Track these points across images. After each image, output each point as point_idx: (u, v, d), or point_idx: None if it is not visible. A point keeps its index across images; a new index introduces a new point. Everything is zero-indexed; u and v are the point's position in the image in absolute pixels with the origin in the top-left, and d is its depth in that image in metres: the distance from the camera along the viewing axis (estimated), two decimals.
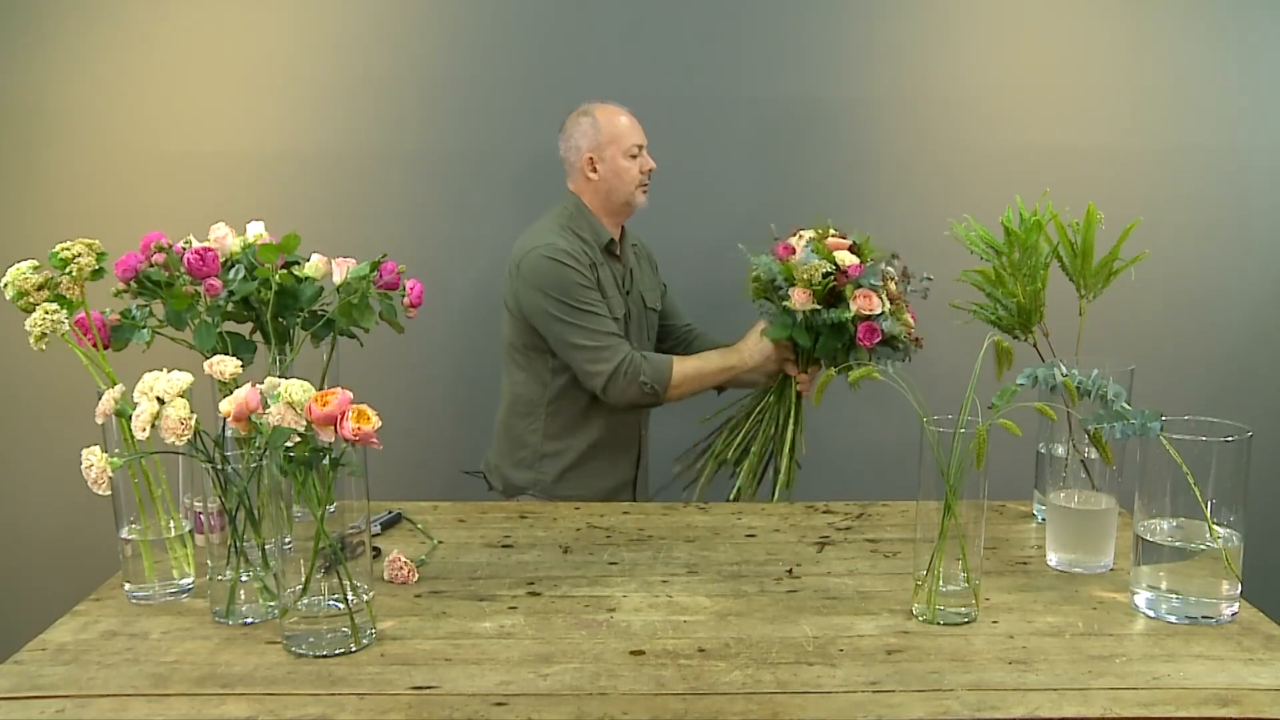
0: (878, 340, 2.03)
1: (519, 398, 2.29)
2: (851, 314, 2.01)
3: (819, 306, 2.04)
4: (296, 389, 1.25)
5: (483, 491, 2.34)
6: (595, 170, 2.25)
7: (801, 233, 2.13)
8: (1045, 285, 1.73)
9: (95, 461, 1.33)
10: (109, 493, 1.36)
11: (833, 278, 2.03)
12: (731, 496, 2.16)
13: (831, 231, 2.12)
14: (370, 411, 1.26)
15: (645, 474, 2.41)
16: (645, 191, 2.28)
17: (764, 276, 2.08)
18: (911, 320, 2.11)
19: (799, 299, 2.03)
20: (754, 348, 2.17)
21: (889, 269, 2.09)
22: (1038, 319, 1.73)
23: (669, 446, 2.38)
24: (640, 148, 2.26)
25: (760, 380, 2.21)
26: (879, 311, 2.03)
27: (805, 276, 2.03)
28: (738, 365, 2.19)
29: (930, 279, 2.14)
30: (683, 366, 2.19)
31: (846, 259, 2.04)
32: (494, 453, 2.36)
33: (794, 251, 2.09)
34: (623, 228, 2.35)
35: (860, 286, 2.04)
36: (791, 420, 2.17)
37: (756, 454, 2.17)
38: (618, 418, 2.28)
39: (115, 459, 1.35)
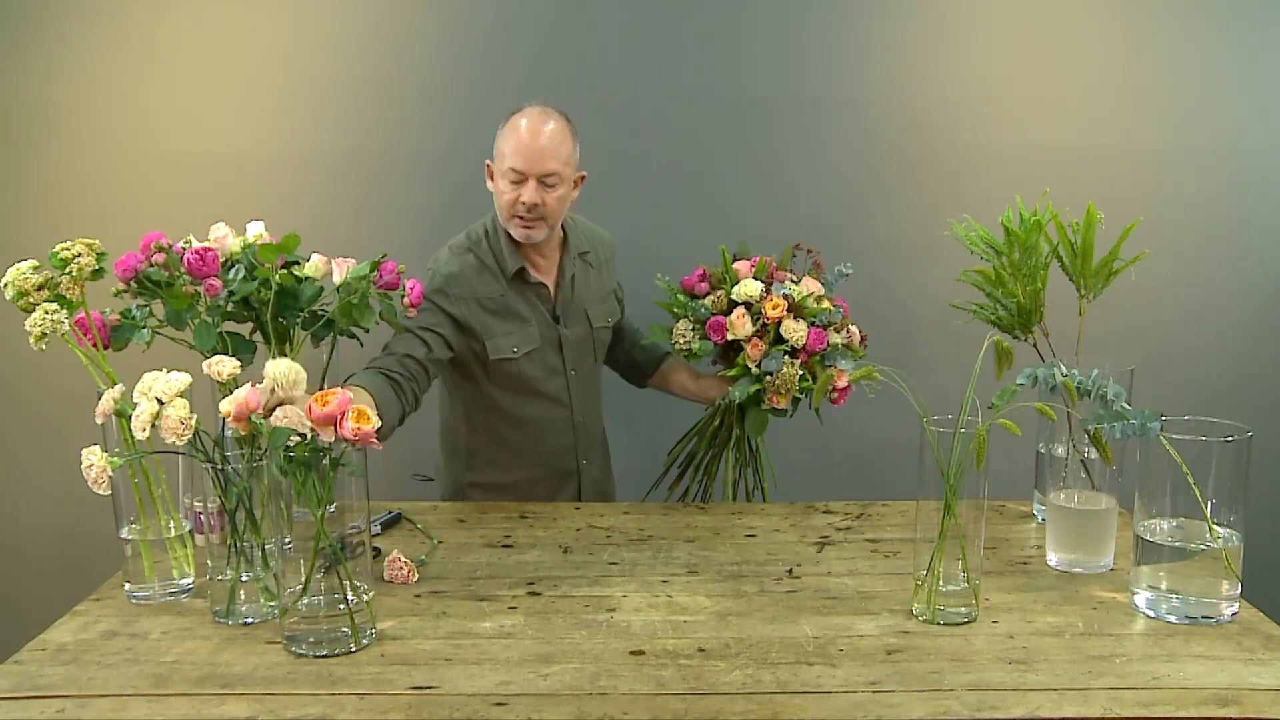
0: (825, 345, 1.91)
1: (444, 422, 2.17)
2: (798, 334, 1.90)
3: (769, 347, 1.91)
4: (283, 367, 1.26)
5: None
6: (491, 180, 2.02)
7: (740, 309, 1.93)
8: (1045, 285, 1.73)
9: (95, 461, 1.33)
10: (109, 492, 1.36)
11: (805, 384, 1.90)
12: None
13: (772, 268, 2.00)
14: (370, 412, 1.27)
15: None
16: (526, 227, 1.96)
17: (697, 350, 1.95)
18: (840, 308, 1.96)
19: (775, 403, 1.91)
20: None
21: (789, 277, 1.98)
22: (1038, 319, 1.73)
23: (637, 456, 2.31)
24: (519, 174, 1.92)
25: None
26: (844, 384, 1.90)
27: (784, 389, 1.89)
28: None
29: (848, 272, 2.01)
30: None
31: (799, 335, 1.89)
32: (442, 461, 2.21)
33: (724, 335, 1.93)
34: (564, 240, 2.09)
35: (826, 367, 1.92)
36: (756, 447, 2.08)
37: (730, 469, 2.07)
38: (545, 449, 2.09)
39: (115, 459, 1.35)
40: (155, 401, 1.32)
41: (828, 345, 1.91)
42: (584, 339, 2.12)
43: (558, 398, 2.09)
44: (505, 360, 2.01)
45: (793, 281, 1.96)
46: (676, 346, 1.98)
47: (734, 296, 1.93)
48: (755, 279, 1.95)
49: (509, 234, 2.00)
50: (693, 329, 1.97)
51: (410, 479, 2.33)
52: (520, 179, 1.93)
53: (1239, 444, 1.35)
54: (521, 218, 1.96)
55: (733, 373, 1.94)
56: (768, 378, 1.89)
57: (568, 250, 2.10)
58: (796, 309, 1.91)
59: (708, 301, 1.96)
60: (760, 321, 1.91)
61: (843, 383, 1.88)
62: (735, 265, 2.00)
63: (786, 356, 1.89)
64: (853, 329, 1.99)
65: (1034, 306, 1.72)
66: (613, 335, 2.23)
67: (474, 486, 2.12)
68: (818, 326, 1.90)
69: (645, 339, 2.09)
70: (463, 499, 2.12)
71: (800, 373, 1.88)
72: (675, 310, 2.01)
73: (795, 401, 1.94)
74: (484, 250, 2.03)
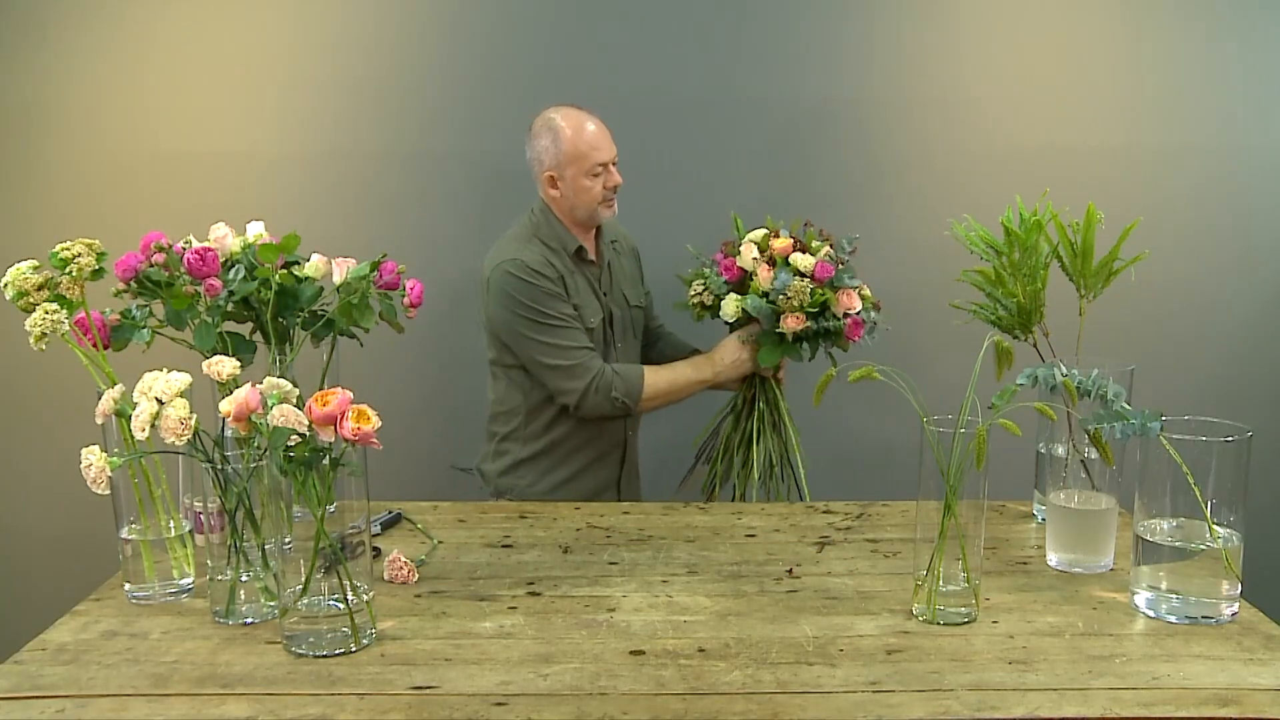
0: (863, 332, 2.08)
1: (499, 406, 2.27)
2: (841, 319, 2.05)
3: (811, 323, 2.06)
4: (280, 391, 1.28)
5: (482, 493, 2.34)
6: (556, 188, 2.19)
7: (747, 241, 2.11)
8: (1045, 285, 1.73)
9: (94, 461, 1.33)
10: (108, 492, 1.36)
11: (821, 293, 2.04)
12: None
13: (779, 231, 2.14)
14: (370, 411, 1.27)
15: (632, 476, 2.37)
16: (610, 205, 2.21)
17: (740, 308, 2.09)
18: (867, 291, 2.12)
19: (793, 324, 2.04)
20: (729, 362, 2.17)
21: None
22: (1038, 319, 1.73)
23: (658, 445, 2.38)
24: (605, 165, 2.17)
25: (731, 387, 2.23)
26: (858, 308, 2.07)
27: (797, 302, 2.02)
28: (711, 379, 2.18)
29: (856, 237, 2.16)
30: (655, 380, 2.17)
31: (806, 262, 2.05)
32: (481, 456, 2.34)
33: (736, 270, 2.10)
34: (598, 227, 2.29)
35: (835, 289, 2.06)
36: (786, 421, 2.19)
37: (759, 463, 2.16)
38: (599, 423, 2.24)
39: (114, 458, 1.35)
40: (155, 401, 1.32)
41: (835, 274, 2.06)
42: (624, 315, 2.31)
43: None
44: (586, 329, 2.18)
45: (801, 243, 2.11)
46: (692, 303, 2.17)
47: (743, 241, 2.12)
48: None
49: (558, 219, 2.20)
50: (704, 286, 2.16)
51: (450, 470, 2.43)
52: (604, 168, 2.17)
53: (1239, 444, 1.35)
54: (608, 200, 2.20)
55: (737, 305, 2.09)
56: (781, 298, 2.00)
57: (602, 236, 2.29)
58: (803, 247, 2.08)
59: (706, 270, 2.16)
60: (768, 255, 2.07)
61: (855, 305, 2.05)
62: (743, 243, 2.15)
63: (796, 275, 2.03)
64: (864, 289, 2.12)
65: (1034, 306, 1.72)
66: (644, 334, 2.41)
67: (527, 460, 2.24)
68: (825, 262, 2.05)
69: (675, 306, 2.29)
70: (512, 476, 2.25)
71: (811, 287, 2.02)
72: (689, 279, 2.19)
73: (812, 345, 2.09)
74: (546, 235, 2.20)
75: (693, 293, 2.18)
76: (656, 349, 2.42)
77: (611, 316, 2.26)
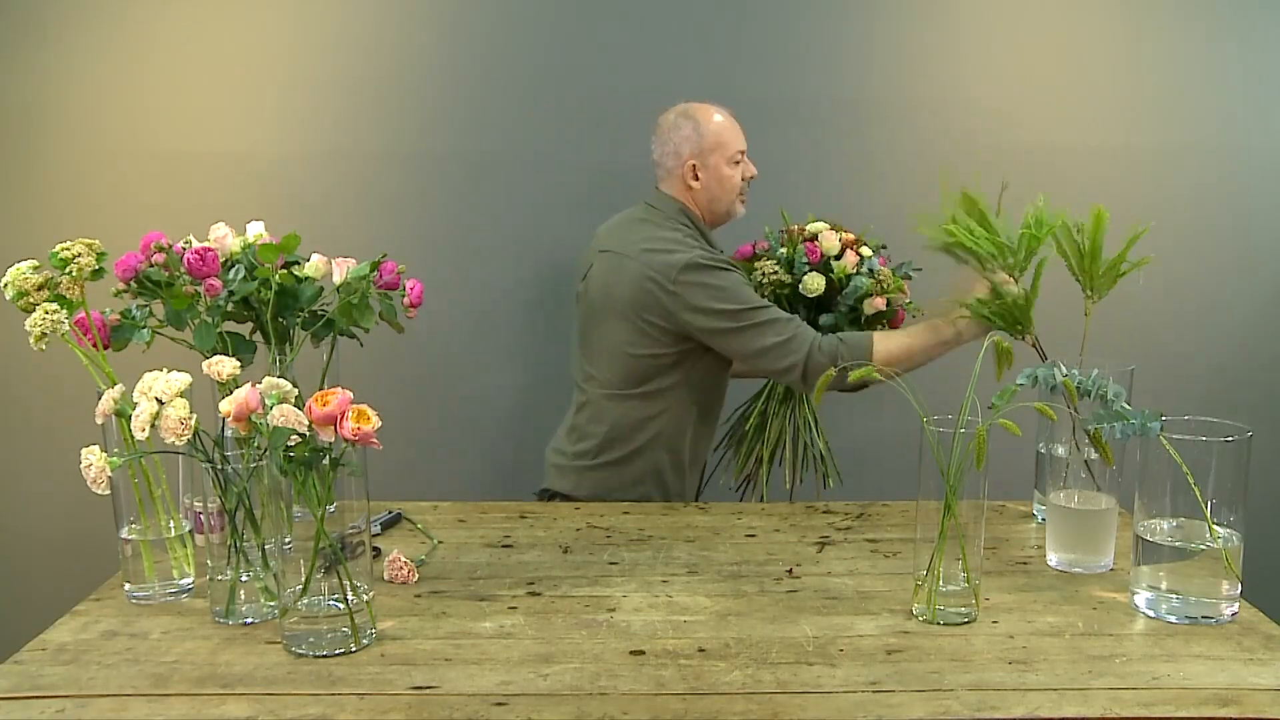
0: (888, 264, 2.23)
1: (603, 432, 2.13)
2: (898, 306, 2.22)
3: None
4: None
5: (481, 491, 2.33)
6: (697, 178, 2.13)
7: (820, 230, 2.20)
8: (1037, 294, 1.74)
9: (94, 461, 1.33)
10: (108, 492, 1.36)
11: (898, 282, 2.19)
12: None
13: (842, 230, 2.23)
14: (370, 411, 1.26)
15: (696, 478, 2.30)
16: (744, 200, 2.19)
17: (822, 284, 2.16)
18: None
19: (879, 304, 2.16)
20: (970, 320, 1.93)
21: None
22: (1030, 327, 1.74)
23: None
24: (742, 154, 2.16)
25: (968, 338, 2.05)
26: (908, 299, 2.23)
27: (885, 285, 2.16)
28: (953, 341, 1.97)
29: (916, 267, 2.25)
30: (886, 344, 1.98)
31: (819, 225, 2.21)
32: (564, 457, 2.19)
33: (819, 254, 2.18)
34: None
35: (903, 277, 2.23)
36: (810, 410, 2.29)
37: (791, 447, 2.27)
38: (704, 433, 2.18)
39: (114, 458, 1.35)
40: (155, 401, 1.31)
41: (895, 268, 2.22)
42: None
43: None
44: None
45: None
46: (765, 279, 2.17)
47: (809, 230, 2.21)
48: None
49: (699, 218, 2.17)
50: (776, 265, 2.18)
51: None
52: (743, 155, 2.17)
53: (1239, 444, 1.35)
54: (743, 193, 2.19)
55: (820, 281, 2.16)
56: (871, 280, 2.14)
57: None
58: (861, 241, 2.22)
59: (783, 250, 2.20)
60: (843, 243, 2.18)
61: (908, 296, 2.21)
62: (817, 232, 2.23)
63: (875, 258, 2.19)
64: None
65: (1026, 309, 1.73)
66: None
67: (613, 462, 2.14)
68: (881, 255, 2.22)
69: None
70: (591, 477, 2.14)
71: (892, 270, 2.20)
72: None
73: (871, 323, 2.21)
74: (691, 233, 2.14)
75: (766, 269, 2.17)
76: None
77: None
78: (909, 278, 2.22)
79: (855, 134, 2.57)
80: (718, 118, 2.16)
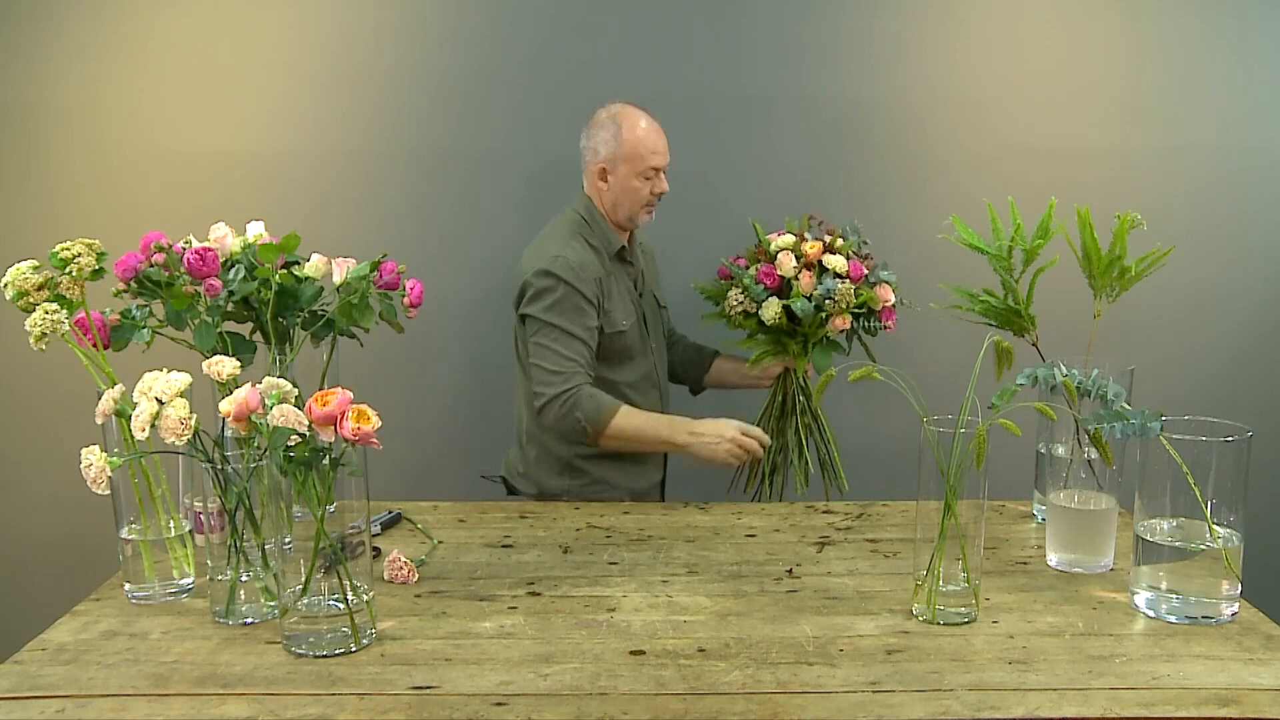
0: (865, 273, 2.15)
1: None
2: (879, 316, 2.16)
3: (855, 322, 2.15)
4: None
5: (483, 493, 2.33)
6: (605, 181, 2.16)
7: (784, 251, 2.14)
8: (1033, 298, 1.74)
9: (94, 461, 1.33)
10: (107, 492, 1.36)
11: (863, 292, 2.12)
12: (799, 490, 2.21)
13: (804, 234, 2.18)
14: (370, 411, 1.27)
15: (677, 480, 2.32)
16: (650, 212, 2.19)
17: (779, 311, 2.11)
18: (893, 277, 2.20)
19: (840, 324, 2.12)
20: (709, 439, 2.00)
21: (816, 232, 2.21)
22: (1031, 324, 1.74)
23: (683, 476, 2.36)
24: (658, 171, 2.16)
25: (689, 463, 2.09)
26: (892, 301, 2.16)
27: (844, 304, 2.09)
28: (683, 446, 2.02)
29: (859, 225, 2.23)
30: (626, 421, 2.03)
31: (840, 264, 2.11)
32: (521, 459, 2.26)
33: (776, 278, 2.13)
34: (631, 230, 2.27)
35: (872, 285, 2.15)
36: (817, 413, 2.25)
37: (797, 450, 2.22)
38: None
39: (114, 459, 1.35)
40: (155, 402, 1.32)
41: (867, 272, 2.14)
42: (655, 316, 2.30)
43: (647, 370, 2.23)
44: (618, 332, 2.15)
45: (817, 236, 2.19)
46: (732, 312, 2.17)
47: (771, 249, 2.16)
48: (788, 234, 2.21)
49: (603, 217, 2.18)
50: (743, 294, 2.16)
51: (475, 478, 2.38)
52: (656, 173, 2.16)
53: (1239, 444, 1.35)
54: (650, 206, 2.19)
55: (778, 309, 2.12)
56: (829, 302, 2.09)
57: (633, 237, 2.28)
58: (830, 248, 2.15)
59: (750, 271, 2.17)
60: (803, 262, 2.13)
61: (891, 298, 2.14)
62: (769, 236, 2.21)
63: (836, 278, 2.11)
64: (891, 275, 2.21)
65: (1025, 309, 1.73)
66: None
67: (575, 465, 2.18)
68: (854, 259, 2.14)
69: (705, 321, 2.28)
70: (571, 475, 2.18)
71: (854, 288, 2.10)
72: (712, 291, 2.24)
73: (849, 338, 2.19)
74: (590, 233, 2.17)
75: (732, 302, 2.17)
76: (677, 350, 2.41)
77: (645, 317, 2.24)
78: (886, 283, 2.15)
79: (855, 134, 2.57)
80: (642, 127, 2.15)
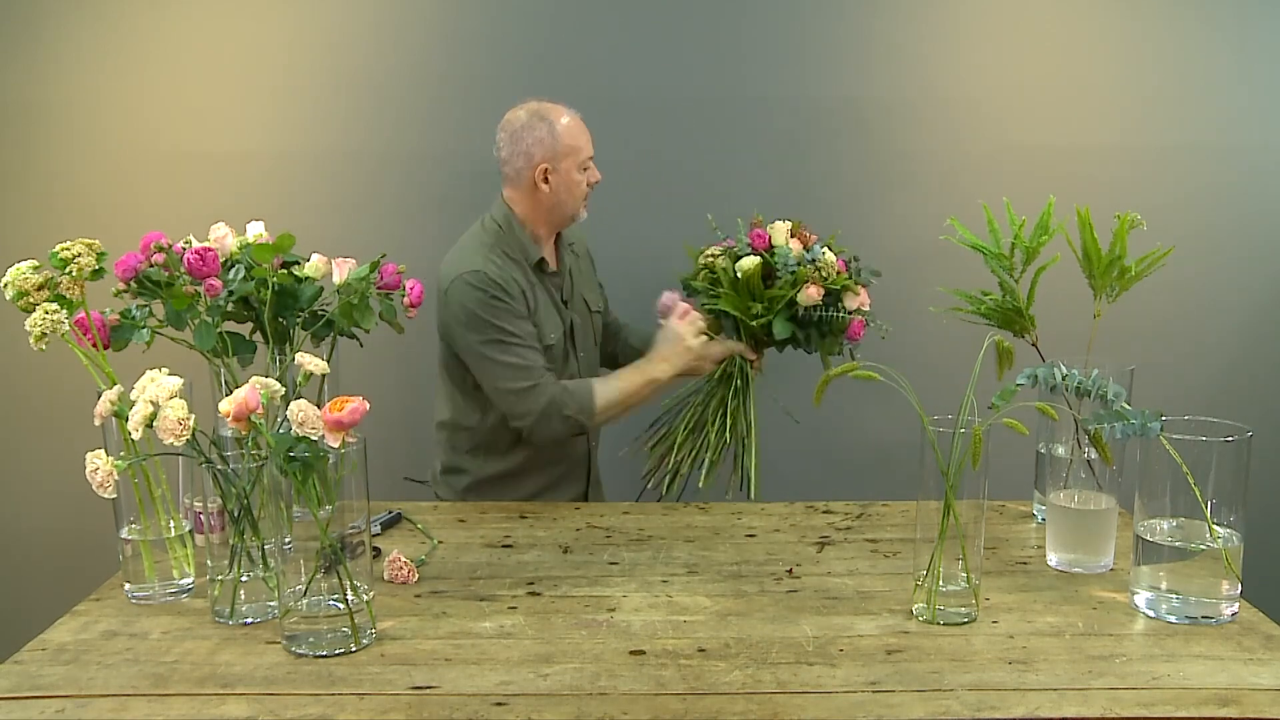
0: (864, 332, 2.11)
1: (458, 421, 2.13)
2: (847, 313, 2.06)
3: (823, 301, 2.05)
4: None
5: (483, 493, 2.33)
6: (547, 181, 2.06)
7: (776, 224, 2.13)
8: (1034, 298, 1.74)
9: (101, 465, 1.33)
10: (115, 495, 1.36)
11: (845, 278, 2.07)
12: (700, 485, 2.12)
13: (802, 227, 2.15)
14: (346, 399, 1.26)
15: (597, 488, 2.29)
16: (586, 206, 2.13)
17: (756, 263, 2.06)
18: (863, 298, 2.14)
19: (813, 293, 2.03)
20: (675, 354, 2.05)
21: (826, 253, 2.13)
22: (1030, 324, 1.74)
23: (613, 454, 2.32)
24: (590, 160, 2.11)
25: (698, 375, 2.12)
26: (867, 306, 2.10)
27: (825, 273, 2.05)
28: (661, 376, 2.05)
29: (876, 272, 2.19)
30: (605, 391, 2.02)
31: (831, 257, 2.09)
32: (436, 469, 2.22)
33: (765, 241, 2.10)
34: (559, 233, 2.18)
35: (856, 283, 2.10)
36: (751, 410, 2.14)
37: (714, 447, 2.11)
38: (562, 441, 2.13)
39: (120, 462, 1.35)
40: (150, 404, 1.31)
41: (850, 269, 2.12)
42: (585, 323, 2.21)
43: (572, 376, 2.14)
44: (546, 347, 2.07)
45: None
46: (701, 262, 2.13)
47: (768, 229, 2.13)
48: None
49: (521, 226, 2.10)
50: (722, 250, 2.12)
51: (403, 481, 2.32)
52: (590, 162, 2.11)
53: (1239, 444, 1.35)
54: (585, 198, 2.12)
55: (756, 262, 2.06)
56: (810, 265, 2.05)
57: (561, 241, 2.19)
58: (827, 245, 2.12)
59: (743, 233, 2.12)
60: (797, 237, 2.10)
61: (866, 305, 2.09)
62: (772, 225, 2.14)
63: (825, 249, 2.08)
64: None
65: (1025, 309, 1.73)
66: (604, 330, 2.31)
67: (492, 479, 2.13)
68: (841, 258, 2.12)
69: (681, 277, 2.20)
70: (475, 495, 2.12)
71: (837, 271, 2.06)
72: (694, 280, 2.16)
73: (813, 334, 2.11)
74: (507, 244, 2.08)
75: (709, 252, 2.13)
76: (621, 340, 2.34)
77: (572, 327, 2.16)
78: (868, 284, 2.11)
79: (855, 134, 2.57)
80: (566, 120, 2.08)
